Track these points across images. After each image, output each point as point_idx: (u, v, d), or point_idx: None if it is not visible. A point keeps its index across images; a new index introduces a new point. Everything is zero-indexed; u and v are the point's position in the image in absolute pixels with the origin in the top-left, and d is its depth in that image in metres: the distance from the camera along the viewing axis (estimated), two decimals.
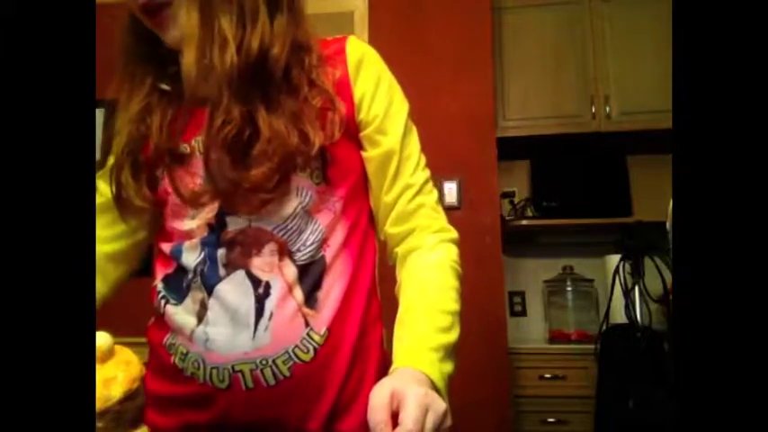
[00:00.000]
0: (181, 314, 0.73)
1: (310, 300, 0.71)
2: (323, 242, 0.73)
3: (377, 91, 0.77)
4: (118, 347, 0.61)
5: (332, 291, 0.73)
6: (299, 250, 0.72)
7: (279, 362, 0.69)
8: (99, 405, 0.55)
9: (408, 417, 0.53)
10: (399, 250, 0.77)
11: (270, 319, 0.69)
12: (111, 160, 0.79)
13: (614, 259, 2.19)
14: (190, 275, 0.73)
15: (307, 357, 0.70)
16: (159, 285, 0.77)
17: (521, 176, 2.96)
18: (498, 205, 2.51)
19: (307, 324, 0.70)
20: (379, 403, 0.55)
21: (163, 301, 0.75)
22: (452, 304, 0.71)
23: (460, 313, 0.71)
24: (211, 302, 0.71)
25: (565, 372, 2.45)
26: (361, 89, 0.76)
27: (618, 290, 2.09)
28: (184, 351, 0.72)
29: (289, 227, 0.72)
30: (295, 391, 0.70)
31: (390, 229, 0.78)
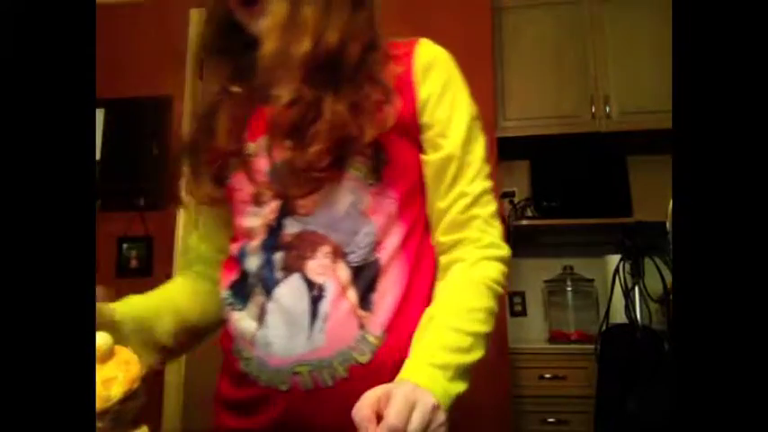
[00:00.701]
0: (243, 320, 0.74)
1: (365, 302, 0.72)
2: (376, 244, 0.73)
3: (443, 94, 0.77)
4: (117, 347, 0.61)
5: (387, 294, 0.72)
6: (352, 252, 0.72)
7: (335, 363, 0.70)
8: (99, 405, 0.55)
9: (391, 410, 0.52)
10: (443, 260, 0.76)
11: (324, 321, 0.70)
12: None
13: (614, 259, 2.19)
14: (252, 280, 0.75)
15: (363, 359, 0.70)
16: (225, 293, 0.78)
17: (521, 176, 2.96)
18: (498, 205, 2.50)
19: (361, 326, 0.71)
20: (364, 402, 0.55)
21: (229, 308, 0.77)
22: (475, 325, 0.69)
23: (488, 334, 0.70)
24: (270, 306, 0.72)
25: (565, 372, 2.44)
26: (426, 91, 0.76)
27: (618, 290, 2.09)
28: (248, 356, 0.74)
29: (342, 228, 0.72)
30: (353, 393, 0.68)
31: (441, 237, 0.77)
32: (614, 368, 2.13)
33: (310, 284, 0.71)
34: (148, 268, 2.81)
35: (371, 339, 0.71)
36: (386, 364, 0.70)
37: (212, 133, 0.77)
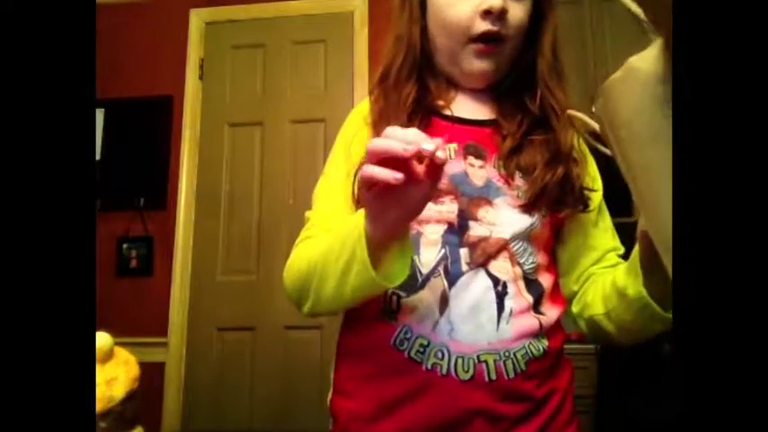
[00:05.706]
0: (420, 307, 0.74)
1: (536, 307, 0.77)
2: (539, 265, 0.79)
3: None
4: (116, 348, 0.61)
5: (548, 309, 0.78)
6: (524, 264, 0.77)
7: (518, 355, 0.73)
8: (102, 405, 0.55)
9: None
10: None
11: (510, 314, 0.74)
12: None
13: None
14: (426, 270, 0.75)
15: (538, 354, 0.74)
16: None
17: None
18: None
19: (539, 325, 0.76)
20: None
21: (395, 298, 0.75)
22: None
23: None
24: (454, 293, 0.74)
25: None
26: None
27: None
28: (424, 343, 0.72)
29: (516, 244, 0.78)
30: (524, 391, 0.74)
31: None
32: (614, 368, 2.14)
33: (495, 280, 0.75)
34: (148, 268, 2.81)
35: (543, 339, 0.76)
36: (551, 366, 0.77)
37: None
